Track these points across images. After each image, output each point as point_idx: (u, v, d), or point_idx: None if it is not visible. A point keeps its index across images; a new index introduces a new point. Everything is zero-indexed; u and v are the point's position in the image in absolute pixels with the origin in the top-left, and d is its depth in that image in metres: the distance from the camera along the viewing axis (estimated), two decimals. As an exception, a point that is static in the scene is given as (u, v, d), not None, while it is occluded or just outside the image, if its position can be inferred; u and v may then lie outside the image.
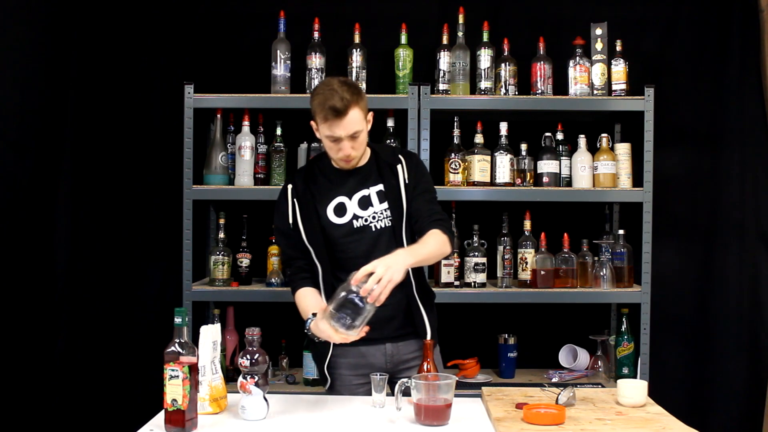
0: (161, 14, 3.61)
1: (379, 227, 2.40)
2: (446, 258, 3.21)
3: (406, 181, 2.41)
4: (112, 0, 3.60)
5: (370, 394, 2.20)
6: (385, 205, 2.41)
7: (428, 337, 2.41)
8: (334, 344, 2.39)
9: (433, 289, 2.65)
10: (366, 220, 2.40)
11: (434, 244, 2.31)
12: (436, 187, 2.55)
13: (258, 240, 3.41)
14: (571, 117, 3.48)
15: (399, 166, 2.42)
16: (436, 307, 2.56)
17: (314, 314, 2.28)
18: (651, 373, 3.21)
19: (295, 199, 2.42)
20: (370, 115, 2.40)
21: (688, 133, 3.62)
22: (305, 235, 2.40)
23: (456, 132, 3.32)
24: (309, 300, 2.39)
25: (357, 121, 2.30)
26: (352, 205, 2.41)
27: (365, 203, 2.41)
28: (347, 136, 2.30)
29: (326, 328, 2.12)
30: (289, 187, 2.46)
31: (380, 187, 2.42)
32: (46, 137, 3.42)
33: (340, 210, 2.41)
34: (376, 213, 2.41)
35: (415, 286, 2.43)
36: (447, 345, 2.79)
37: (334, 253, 2.41)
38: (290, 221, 2.42)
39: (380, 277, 2.05)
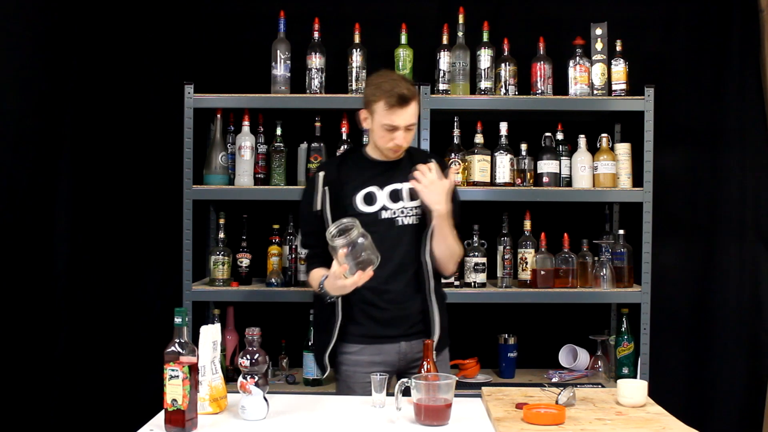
0: (161, 14, 3.61)
1: (405, 223, 2.46)
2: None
3: None
4: (112, 0, 3.60)
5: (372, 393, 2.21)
6: (417, 203, 2.46)
7: (436, 337, 2.45)
8: (346, 340, 2.46)
9: (434, 288, 2.66)
10: (394, 213, 2.46)
11: (456, 241, 2.46)
12: None
13: (258, 240, 3.41)
14: (571, 117, 3.49)
15: (431, 166, 2.46)
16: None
17: (326, 276, 2.35)
18: (651, 373, 3.21)
19: (326, 187, 2.47)
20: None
21: (688, 133, 3.62)
22: (332, 221, 2.41)
23: (456, 132, 3.32)
24: (320, 272, 2.45)
25: (415, 114, 2.42)
26: (382, 196, 2.47)
27: (396, 197, 2.47)
28: (404, 127, 2.38)
29: (338, 277, 2.23)
30: (321, 174, 2.51)
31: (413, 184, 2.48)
32: (46, 137, 3.42)
33: (370, 199, 2.47)
34: (405, 208, 2.47)
35: (433, 283, 2.48)
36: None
37: None
38: (318, 207, 2.46)
39: (433, 180, 2.33)
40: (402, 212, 2.46)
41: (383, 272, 2.39)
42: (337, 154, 3.20)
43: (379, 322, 2.46)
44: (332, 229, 2.23)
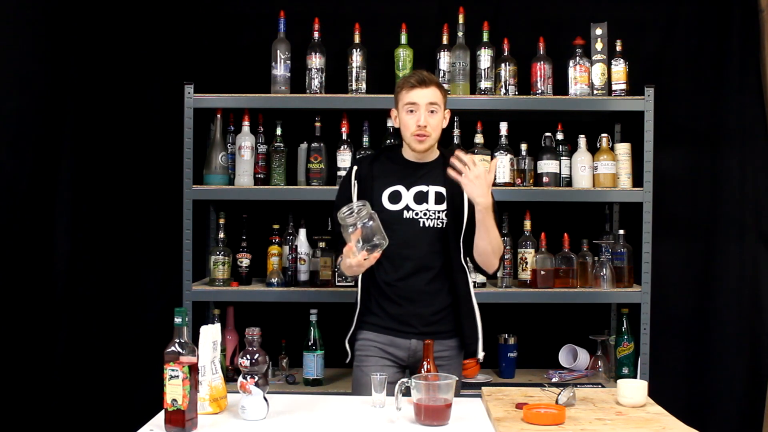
0: (161, 14, 3.61)
1: (428, 225, 2.48)
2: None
3: None
4: (112, 0, 3.60)
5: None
6: (442, 207, 2.49)
7: (480, 343, 2.52)
8: (358, 327, 2.55)
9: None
10: (417, 214, 2.48)
11: (499, 235, 2.47)
12: None
13: (258, 240, 3.41)
14: (571, 117, 3.49)
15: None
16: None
17: (341, 255, 2.41)
18: (651, 373, 3.21)
19: (356, 181, 2.53)
20: (448, 113, 2.55)
21: (688, 133, 3.62)
22: None
23: (456, 132, 3.32)
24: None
25: (437, 96, 2.46)
26: (407, 196, 2.50)
27: (421, 198, 2.50)
28: (426, 104, 2.43)
29: (347, 255, 2.30)
30: (354, 168, 2.58)
31: (440, 188, 2.50)
32: (46, 137, 3.42)
33: (395, 197, 2.50)
34: (429, 211, 2.49)
35: (472, 290, 2.55)
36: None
37: None
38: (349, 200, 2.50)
39: (482, 172, 2.33)
40: (425, 214, 2.48)
41: (401, 270, 2.47)
42: (338, 155, 3.27)
43: (392, 316, 2.52)
44: (344, 209, 2.29)
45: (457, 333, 2.54)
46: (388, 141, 3.29)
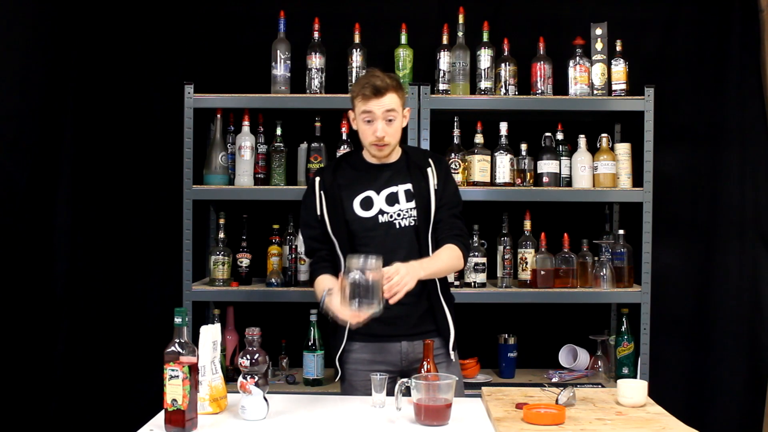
0: (161, 14, 3.61)
1: (403, 225, 2.45)
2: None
3: (435, 186, 2.46)
4: (112, 0, 3.60)
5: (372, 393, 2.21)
6: (412, 204, 2.45)
7: (452, 336, 2.46)
8: (349, 338, 2.48)
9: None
10: (391, 216, 2.45)
11: (447, 260, 2.41)
12: None
13: (258, 240, 3.41)
14: (571, 117, 3.49)
15: (429, 170, 2.48)
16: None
17: (329, 290, 2.32)
18: (651, 373, 3.21)
19: (322, 191, 2.48)
20: (407, 111, 2.49)
21: (688, 133, 3.62)
22: (330, 226, 2.45)
23: (456, 132, 3.32)
24: (326, 281, 2.43)
25: (394, 103, 2.39)
26: (379, 200, 2.45)
27: (392, 200, 2.46)
28: (382, 113, 2.37)
29: (338, 305, 2.20)
30: (317, 179, 2.51)
31: (408, 186, 2.46)
32: (46, 137, 3.42)
33: (367, 204, 2.46)
34: (402, 211, 2.45)
35: (440, 287, 2.48)
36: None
37: (357, 247, 2.43)
38: (318, 213, 2.47)
39: (401, 276, 2.17)
40: (399, 215, 2.45)
41: None
42: (337, 155, 3.22)
43: (382, 320, 2.45)
44: (360, 257, 2.13)
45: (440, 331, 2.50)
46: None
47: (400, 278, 2.18)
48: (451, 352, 2.49)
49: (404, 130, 3.19)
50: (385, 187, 2.47)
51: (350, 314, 2.18)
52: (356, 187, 2.47)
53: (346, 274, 2.14)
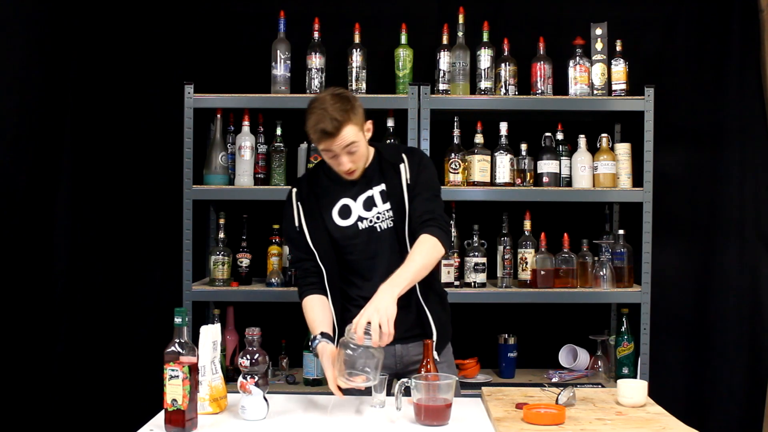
0: (161, 14, 3.61)
1: (383, 228, 2.39)
2: (446, 258, 3.22)
3: (408, 181, 2.39)
4: (111, 0, 3.60)
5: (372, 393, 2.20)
6: (388, 205, 2.39)
7: (434, 337, 2.40)
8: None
9: (434, 289, 2.64)
10: (371, 221, 2.39)
11: (421, 258, 2.27)
12: None
13: (258, 240, 3.41)
14: (571, 117, 3.49)
15: (402, 165, 2.40)
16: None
17: (322, 334, 2.28)
18: (651, 373, 3.21)
19: (299, 203, 2.43)
20: (369, 123, 2.37)
21: (688, 133, 3.62)
22: (310, 237, 2.40)
23: (456, 132, 3.32)
24: (316, 313, 2.37)
25: (351, 135, 2.26)
26: (357, 207, 2.40)
27: (369, 204, 2.40)
28: (343, 150, 2.28)
29: (330, 375, 2.17)
30: (294, 191, 2.45)
31: (383, 186, 2.40)
32: (45, 137, 3.42)
33: (345, 212, 2.41)
34: (380, 213, 2.39)
35: (419, 289, 2.40)
36: (447, 345, 2.79)
37: (341, 255, 2.40)
38: (296, 224, 2.42)
39: (377, 323, 2.06)
40: (378, 218, 2.39)
41: (371, 281, 2.34)
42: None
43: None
44: (360, 331, 2.08)
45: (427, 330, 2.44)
46: (389, 140, 3.28)
47: (377, 321, 2.06)
48: (434, 352, 2.34)
49: (404, 130, 3.24)
50: (361, 192, 2.41)
51: (344, 385, 2.12)
52: (332, 196, 2.42)
53: (342, 345, 2.10)
